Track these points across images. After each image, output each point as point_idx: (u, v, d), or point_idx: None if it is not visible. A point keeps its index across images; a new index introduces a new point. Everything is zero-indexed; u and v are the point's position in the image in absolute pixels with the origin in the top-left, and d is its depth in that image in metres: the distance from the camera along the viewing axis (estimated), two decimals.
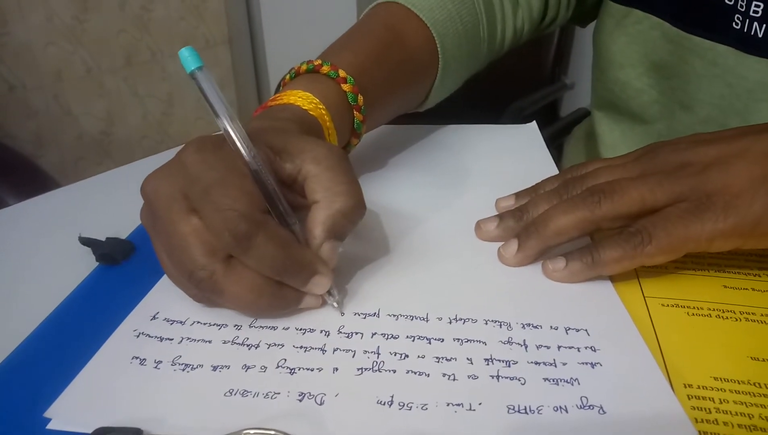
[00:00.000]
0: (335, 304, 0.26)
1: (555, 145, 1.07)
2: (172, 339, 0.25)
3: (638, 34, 0.47)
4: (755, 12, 0.40)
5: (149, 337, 0.25)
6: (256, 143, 0.25)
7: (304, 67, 0.35)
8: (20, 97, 1.55)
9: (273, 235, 0.24)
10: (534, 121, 0.49)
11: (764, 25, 0.40)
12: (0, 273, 0.31)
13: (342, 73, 0.34)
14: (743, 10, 0.41)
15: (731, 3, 0.41)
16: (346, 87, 0.34)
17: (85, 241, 0.32)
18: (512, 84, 0.98)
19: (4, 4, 1.47)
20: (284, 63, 2.10)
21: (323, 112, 0.32)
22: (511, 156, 0.43)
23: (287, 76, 0.36)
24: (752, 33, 0.41)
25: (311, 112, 0.32)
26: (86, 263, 0.31)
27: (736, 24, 0.41)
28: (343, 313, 0.26)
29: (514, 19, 0.48)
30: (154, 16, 1.79)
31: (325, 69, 0.34)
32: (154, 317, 0.26)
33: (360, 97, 0.35)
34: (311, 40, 1.91)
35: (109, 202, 0.39)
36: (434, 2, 0.42)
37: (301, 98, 0.32)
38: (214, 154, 0.25)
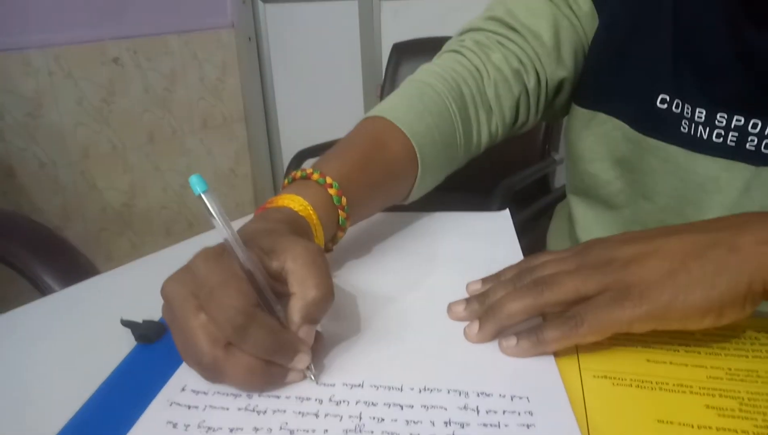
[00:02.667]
0: (312, 377, 0.33)
1: (548, 215, 1.14)
2: (197, 407, 0.31)
3: (603, 133, 0.55)
4: (699, 117, 0.48)
5: (179, 405, 0.32)
6: (250, 246, 0.33)
7: (299, 174, 0.43)
8: (50, 173, 1.66)
9: (263, 325, 0.31)
10: (507, 209, 0.56)
11: (708, 128, 0.47)
12: (53, 352, 0.38)
13: (329, 180, 0.42)
14: (689, 116, 0.48)
15: (678, 111, 0.49)
16: (331, 191, 0.42)
17: (126, 323, 0.39)
18: (503, 161, 1.06)
19: (41, 89, 1.61)
20: (296, 137, 2.24)
21: (311, 212, 0.40)
22: (483, 242, 0.50)
23: (286, 181, 0.44)
24: (698, 135, 0.48)
25: (301, 213, 0.39)
26: (127, 342, 0.38)
27: (684, 128, 0.49)
28: (318, 383, 0.33)
29: (489, 125, 0.56)
30: (176, 96, 1.93)
31: (315, 176, 0.42)
32: (183, 389, 0.33)
33: (344, 199, 0.42)
34: (321, 117, 2.05)
35: (144, 286, 0.46)
36: (414, 116, 0.50)
37: (293, 201, 0.40)
38: (216, 263, 0.32)
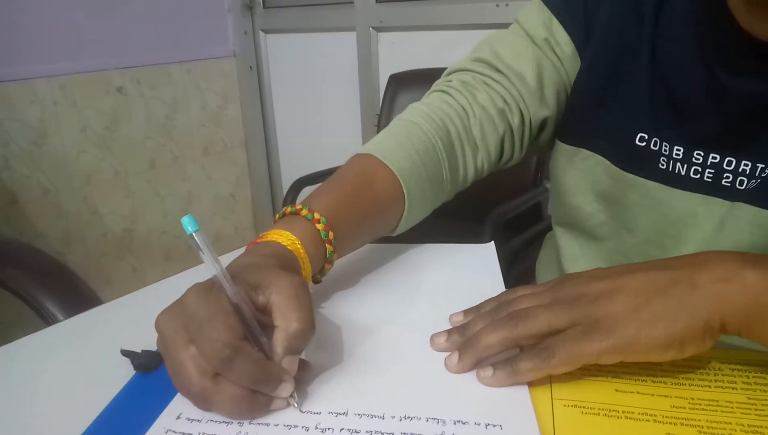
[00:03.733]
0: (295, 404, 0.35)
1: (540, 242, 1.16)
2: (191, 434, 0.34)
3: (586, 168, 0.57)
4: (677, 155, 0.50)
5: (175, 432, 0.34)
6: (238, 281, 0.35)
7: (289, 210, 0.46)
8: (53, 199, 1.69)
9: (248, 357, 0.33)
10: (492, 242, 0.59)
11: (685, 165, 0.50)
12: (56, 380, 0.40)
13: (317, 215, 0.45)
14: (667, 153, 0.51)
15: (656, 149, 0.52)
16: (319, 226, 0.44)
17: (125, 353, 0.41)
18: (496, 189, 1.09)
19: (45, 118, 1.65)
20: (295, 164, 2.27)
21: (299, 246, 0.42)
22: (468, 274, 0.52)
23: (277, 216, 0.46)
24: (676, 172, 0.51)
25: (289, 247, 0.42)
26: (126, 371, 0.40)
27: (662, 165, 0.51)
28: (300, 410, 0.35)
29: (475, 161, 0.58)
30: (178, 124, 1.97)
31: (304, 212, 0.45)
32: (178, 417, 0.35)
33: (331, 233, 0.45)
34: (320, 144, 2.08)
35: (144, 317, 0.48)
36: (401, 154, 0.53)
37: (282, 236, 0.42)
38: (205, 299, 0.34)
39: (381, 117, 1.57)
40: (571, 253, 0.65)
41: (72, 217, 1.74)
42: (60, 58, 1.65)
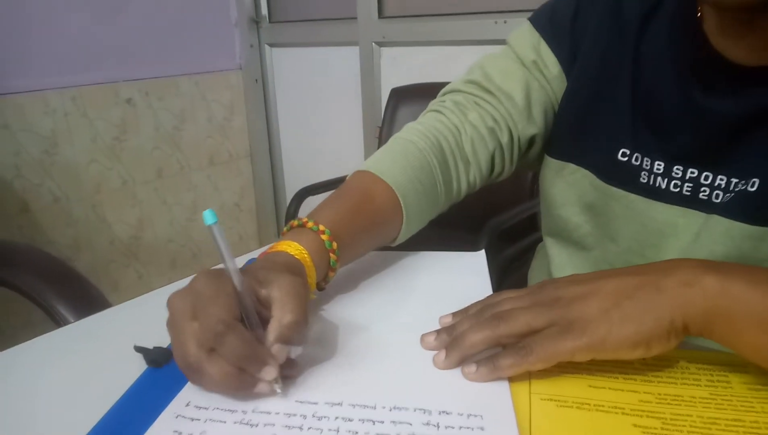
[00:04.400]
0: (279, 390, 0.38)
1: (534, 251, 1.19)
2: (199, 419, 0.37)
3: (573, 181, 0.61)
4: (658, 169, 0.54)
5: (184, 417, 0.37)
6: (247, 276, 0.39)
7: (296, 223, 0.49)
8: (63, 207, 1.73)
9: (239, 336, 0.37)
10: (483, 250, 0.62)
11: (665, 179, 0.53)
12: (72, 375, 0.43)
13: (321, 227, 0.48)
14: (648, 168, 0.54)
15: (637, 163, 0.55)
16: (324, 237, 0.48)
17: (138, 349, 0.45)
18: (492, 200, 1.12)
19: (57, 128, 1.69)
20: (299, 174, 2.30)
21: (306, 255, 0.46)
22: (458, 279, 0.56)
23: (285, 229, 0.50)
24: (657, 185, 0.54)
25: (296, 256, 0.46)
26: (139, 366, 0.43)
27: (643, 178, 0.55)
28: (284, 396, 0.38)
29: (467, 176, 0.62)
30: (185, 134, 2.01)
31: (310, 224, 0.48)
32: (187, 404, 0.38)
33: (334, 243, 0.48)
34: (323, 156, 2.12)
35: (154, 318, 0.51)
36: (398, 170, 0.56)
37: (290, 247, 0.46)
38: (213, 280, 0.39)
39: (382, 129, 1.61)
40: (560, 261, 0.68)
41: (81, 225, 1.78)
42: (71, 70, 1.70)
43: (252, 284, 0.40)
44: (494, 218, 1.15)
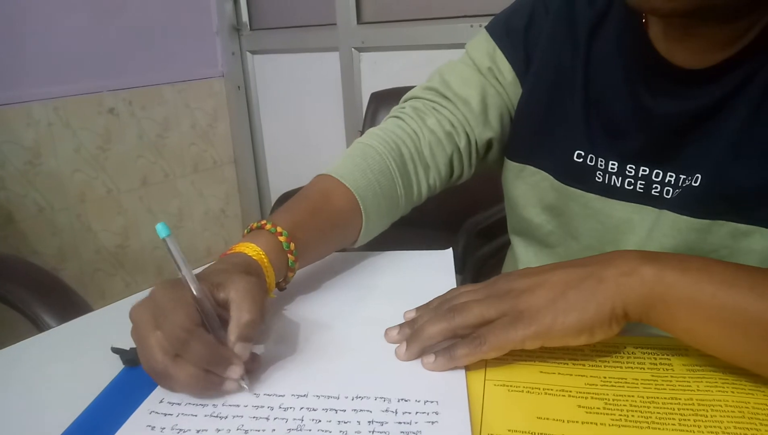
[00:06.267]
0: (245, 386, 0.41)
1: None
2: (172, 414, 0.39)
3: (533, 183, 0.63)
4: (612, 168, 0.56)
5: (158, 413, 0.39)
6: (204, 281, 0.42)
7: (255, 225, 0.51)
8: (48, 217, 1.74)
9: (203, 340, 0.39)
10: (450, 249, 0.64)
11: (620, 178, 0.56)
12: (54, 375, 0.46)
13: (279, 229, 0.50)
14: (603, 168, 0.57)
15: (592, 164, 0.57)
16: (281, 238, 0.50)
17: (115, 350, 0.47)
18: (470, 200, 1.15)
19: (40, 139, 1.70)
20: (283, 179, 2.32)
21: (263, 256, 0.48)
22: (425, 277, 0.58)
23: (246, 231, 0.52)
24: (611, 184, 0.57)
25: (254, 257, 0.48)
26: (116, 366, 0.46)
27: (599, 178, 0.57)
28: (250, 390, 0.40)
29: (427, 179, 0.64)
30: (169, 142, 2.03)
31: (268, 226, 0.51)
32: (161, 401, 0.41)
33: (292, 245, 0.50)
34: (306, 160, 2.13)
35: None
36: (357, 173, 0.59)
37: (248, 248, 0.48)
38: (172, 291, 0.41)
39: (363, 133, 1.63)
40: (526, 259, 0.70)
41: (66, 235, 1.79)
42: (54, 81, 1.71)
43: (209, 289, 0.42)
44: (472, 218, 1.18)
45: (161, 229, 0.41)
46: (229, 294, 0.42)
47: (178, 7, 2.01)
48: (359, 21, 1.87)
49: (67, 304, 0.76)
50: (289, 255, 0.51)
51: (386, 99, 1.59)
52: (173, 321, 0.38)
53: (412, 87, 0.69)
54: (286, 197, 1.64)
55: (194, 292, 0.41)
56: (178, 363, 0.39)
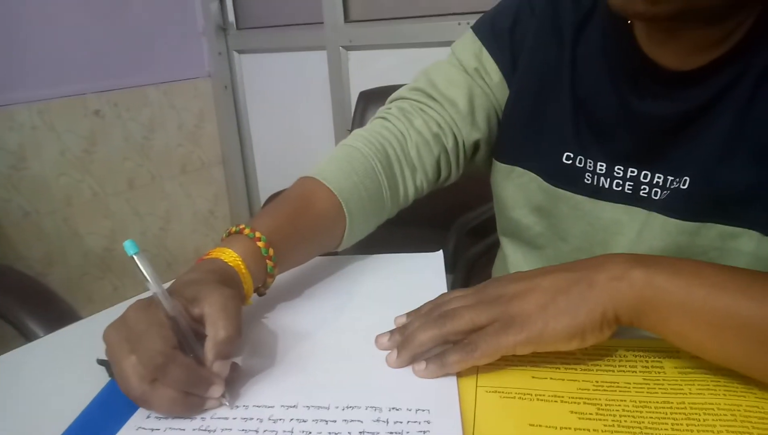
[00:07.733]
0: (227, 403, 0.40)
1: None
2: (159, 429, 0.38)
3: (521, 184, 0.63)
4: (600, 170, 0.56)
5: (144, 429, 0.39)
6: (177, 296, 0.40)
7: (234, 229, 0.50)
8: (34, 221, 1.72)
9: (180, 363, 0.38)
10: (440, 251, 0.64)
11: (608, 179, 0.56)
12: (38, 387, 0.45)
13: (258, 234, 0.49)
14: (591, 169, 0.57)
15: (581, 165, 0.57)
16: (260, 244, 0.49)
17: (101, 362, 0.46)
18: (461, 199, 1.14)
19: (24, 142, 1.68)
20: (272, 179, 2.30)
21: (240, 263, 0.47)
22: (415, 281, 0.58)
23: (224, 235, 0.51)
24: (600, 185, 0.56)
25: (230, 264, 0.47)
26: (101, 378, 0.45)
27: (587, 179, 0.57)
28: (231, 407, 0.40)
29: (414, 180, 0.64)
30: (155, 144, 2.01)
31: (246, 231, 0.49)
32: (148, 417, 0.40)
33: (271, 250, 0.49)
34: (295, 159, 2.13)
35: None
36: (341, 175, 0.58)
37: (224, 253, 0.47)
38: (145, 313, 0.39)
39: (352, 132, 1.63)
40: (515, 260, 0.70)
41: (53, 239, 1.77)
42: (38, 84, 1.69)
43: (183, 304, 0.41)
44: (463, 216, 1.17)
45: (129, 247, 0.40)
46: (204, 309, 0.41)
47: (162, 7, 1.99)
48: (347, 19, 1.86)
49: (55, 312, 0.75)
50: (267, 261, 0.50)
51: (375, 98, 1.58)
52: (148, 345, 0.37)
53: (400, 85, 0.68)
54: (275, 197, 1.64)
55: (168, 311, 0.40)
56: (156, 387, 0.38)
